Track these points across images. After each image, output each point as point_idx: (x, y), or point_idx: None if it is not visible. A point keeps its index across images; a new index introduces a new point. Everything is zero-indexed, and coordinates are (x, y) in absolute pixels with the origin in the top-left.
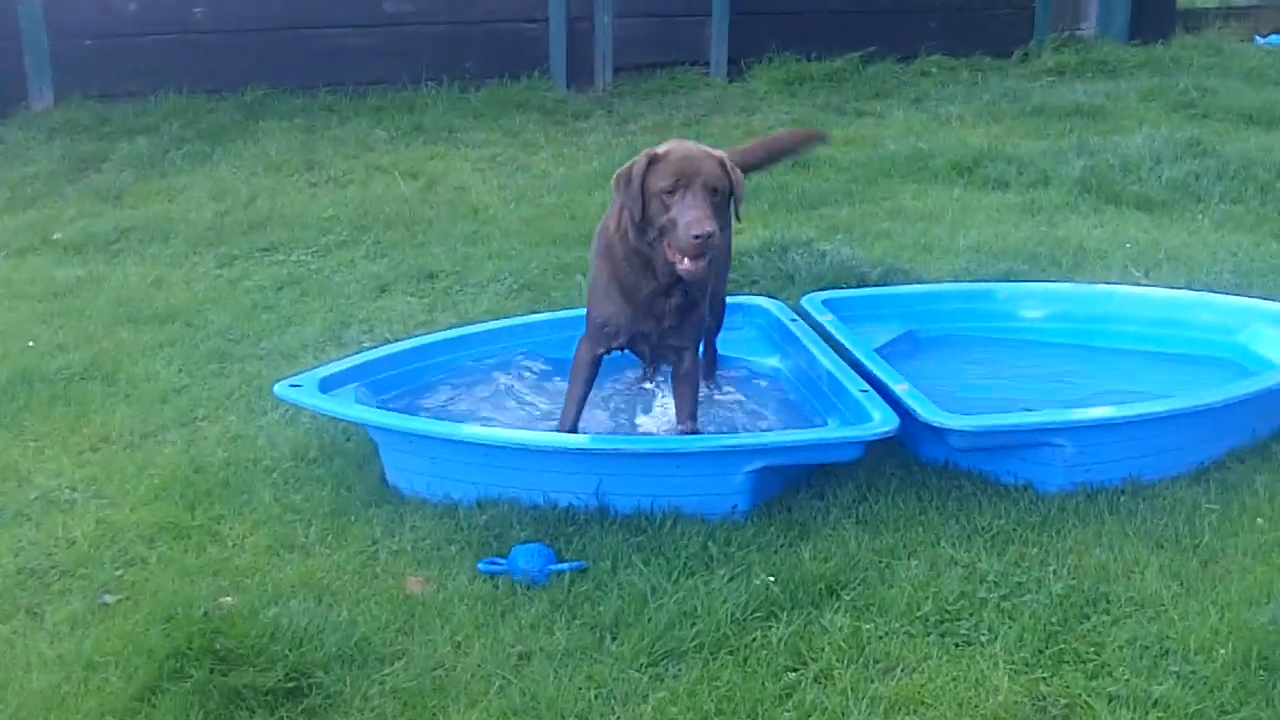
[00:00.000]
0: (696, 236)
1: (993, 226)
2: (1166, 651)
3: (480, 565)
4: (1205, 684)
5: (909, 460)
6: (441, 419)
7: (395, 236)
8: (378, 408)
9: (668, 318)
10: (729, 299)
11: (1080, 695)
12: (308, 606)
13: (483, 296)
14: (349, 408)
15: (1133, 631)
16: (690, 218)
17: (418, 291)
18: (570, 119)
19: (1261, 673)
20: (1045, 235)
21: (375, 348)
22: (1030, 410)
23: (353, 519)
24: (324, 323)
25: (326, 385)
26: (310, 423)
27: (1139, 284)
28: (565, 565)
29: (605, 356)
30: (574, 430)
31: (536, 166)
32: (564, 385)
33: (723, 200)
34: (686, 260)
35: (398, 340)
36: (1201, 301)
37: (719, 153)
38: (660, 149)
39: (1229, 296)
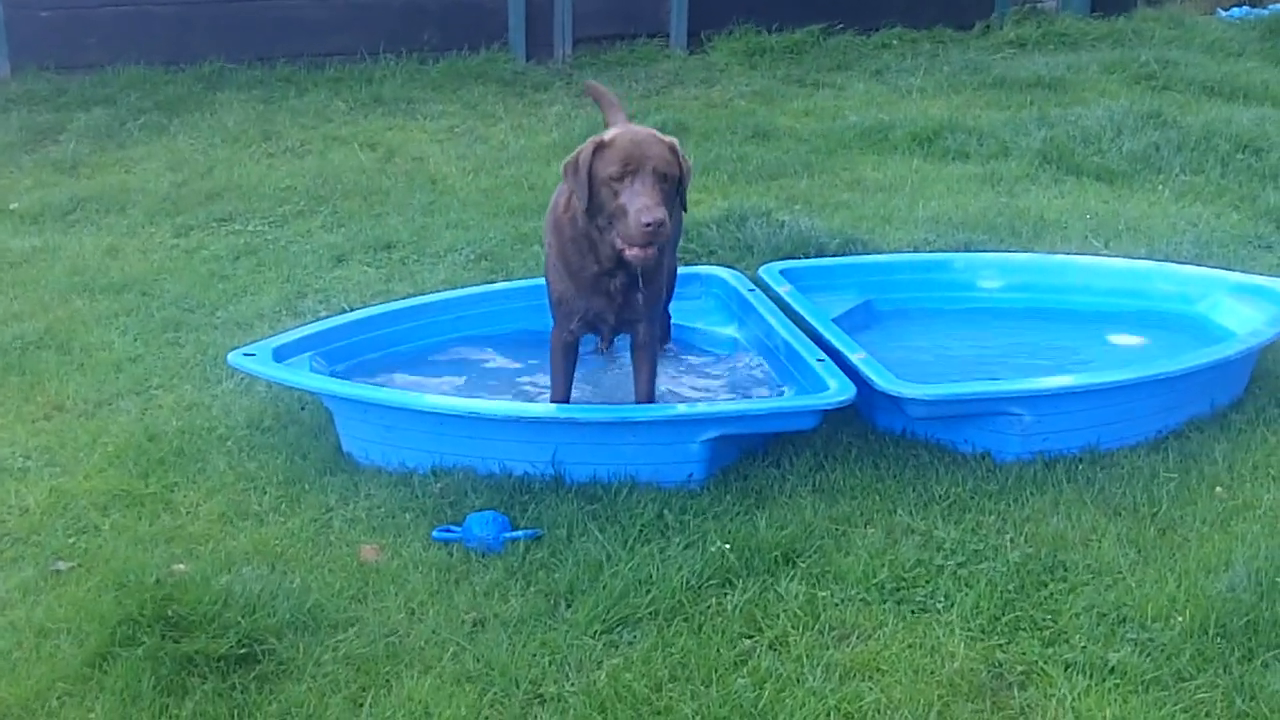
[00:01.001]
0: (647, 224)
1: (952, 197)
2: (1124, 619)
3: (435, 533)
4: (1162, 651)
5: (866, 429)
6: (396, 387)
7: (352, 207)
8: (332, 376)
9: (617, 295)
10: (685, 269)
11: (1036, 662)
12: (261, 574)
13: (440, 266)
14: (302, 376)
15: (1090, 599)
16: (639, 205)
17: (374, 261)
18: (529, 91)
19: (1219, 640)
20: (1005, 206)
21: (330, 317)
22: (987, 379)
23: (307, 487)
24: (280, 292)
25: (280, 354)
26: (265, 392)
27: (1099, 254)
28: (520, 533)
29: (577, 341)
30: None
31: (495, 138)
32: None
33: (672, 187)
34: (635, 248)
35: (353, 310)
36: (1161, 271)
37: (668, 139)
38: (607, 135)
39: (1189, 266)
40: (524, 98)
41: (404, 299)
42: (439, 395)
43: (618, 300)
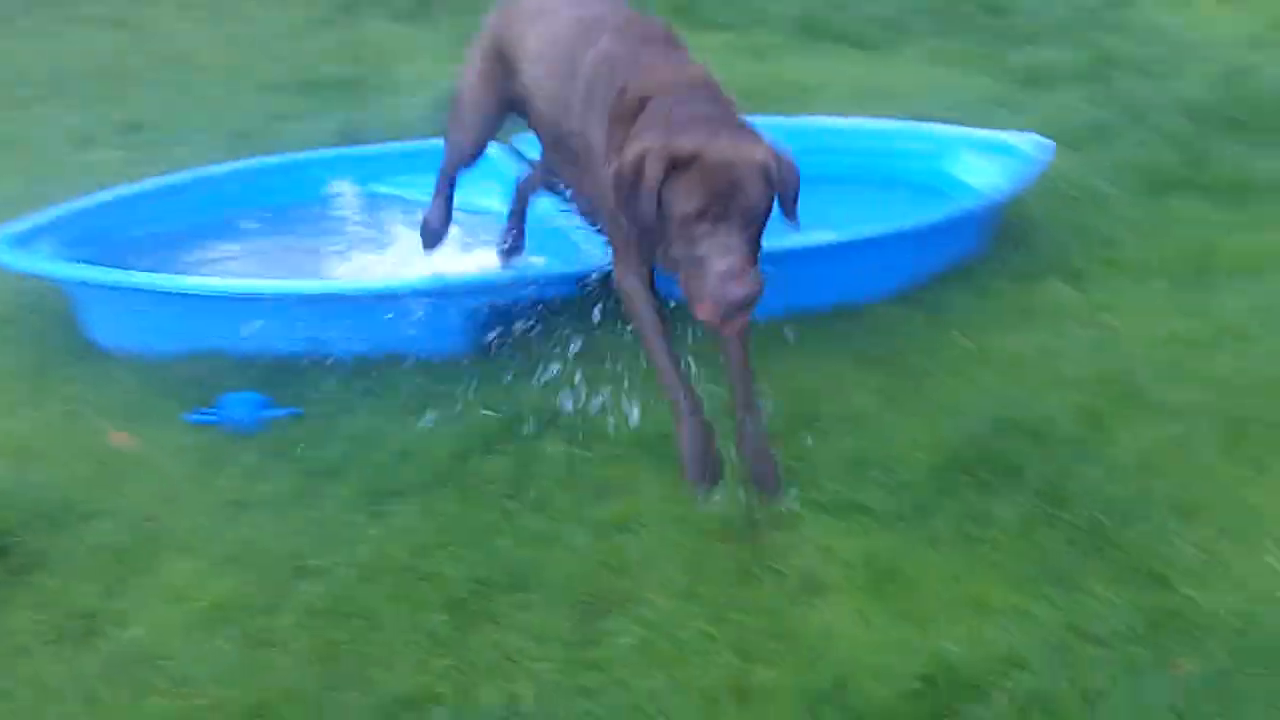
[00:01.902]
0: (734, 300)
1: (715, 67)
2: (872, 463)
3: (188, 415)
4: (907, 489)
5: None
6: (146, 270)
7: (98, 88)
8: (74, 261)
9: None
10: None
11: (788, 504)
12: (8, 467)
13: (189, 146)
14: (44, 263)
15: (841, 446)
16: (724, 269)
17: (122, 144)
18: None
19: (958, 474)
20: (765, 73)
21: (73, 200)
22: None
23: (54, 378)
24: (21, 179)
25: (20, 241)
26: (6, 282)
27: (852, 117)
28: (279, 411)
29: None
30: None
31: (246, 13)
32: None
33: (766, 219)
34: (719, 322)
35: (96, 193)
36: (910, 130)
37: (762, 149)
38: (686, 145)
39: (936, 125)
40: None
41: (154, 179)
42: (191, 276)
43: None
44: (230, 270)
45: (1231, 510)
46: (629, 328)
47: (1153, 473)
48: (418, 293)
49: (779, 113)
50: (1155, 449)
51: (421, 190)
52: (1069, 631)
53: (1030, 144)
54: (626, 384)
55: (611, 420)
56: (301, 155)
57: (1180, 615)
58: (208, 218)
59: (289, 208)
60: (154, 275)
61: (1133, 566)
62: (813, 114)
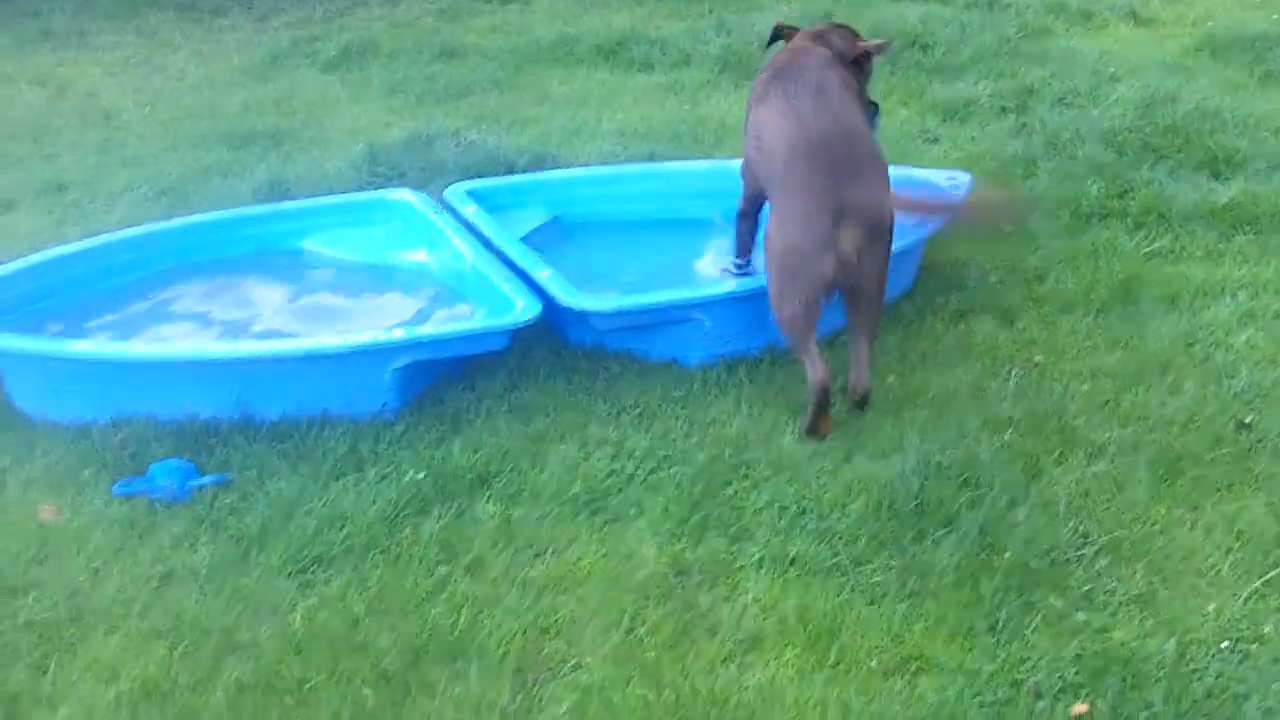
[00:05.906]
0: None
1: (638, 108)
2: (804, 511)
3: (115, 488)
4: (840, 539)
5: (559, 345)
6: (68, 336)
7: (20, 149)
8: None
9: None
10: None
11: (723, 559)
12: None
13: (116, 206)
14: None
15: (771, 494)
16: None
17: (45, 206)
18: (208, 16)
19: (891, 522)
20: (689, 114)
21: None
22: (670, 288)
23: None
24: None
25: None
26: None
27: None
28: (207, 479)
29: None
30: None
31: (173, 67)
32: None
33: None
34: None
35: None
36: None
37: None
38: None
39: None
40: (202, 24)
41: (75, 242)
42: (113, 342)
43: None
44: (160, 333)
45: (1165, 551)
46: None
47: (1085, 514)
48: (348, 352)
49: (702, 154)
50: (1087, 489)
51: (350, 247)
52: (1008, 686)
53: (949, 178)
54: (559, 439)
55: (544, 476)
56: (233, 213)
57: (1118, 661)
58: (135, 278)
59: (221, 266)
60: (72, 342)
61: (1069, 612)
62: (735, 156)
